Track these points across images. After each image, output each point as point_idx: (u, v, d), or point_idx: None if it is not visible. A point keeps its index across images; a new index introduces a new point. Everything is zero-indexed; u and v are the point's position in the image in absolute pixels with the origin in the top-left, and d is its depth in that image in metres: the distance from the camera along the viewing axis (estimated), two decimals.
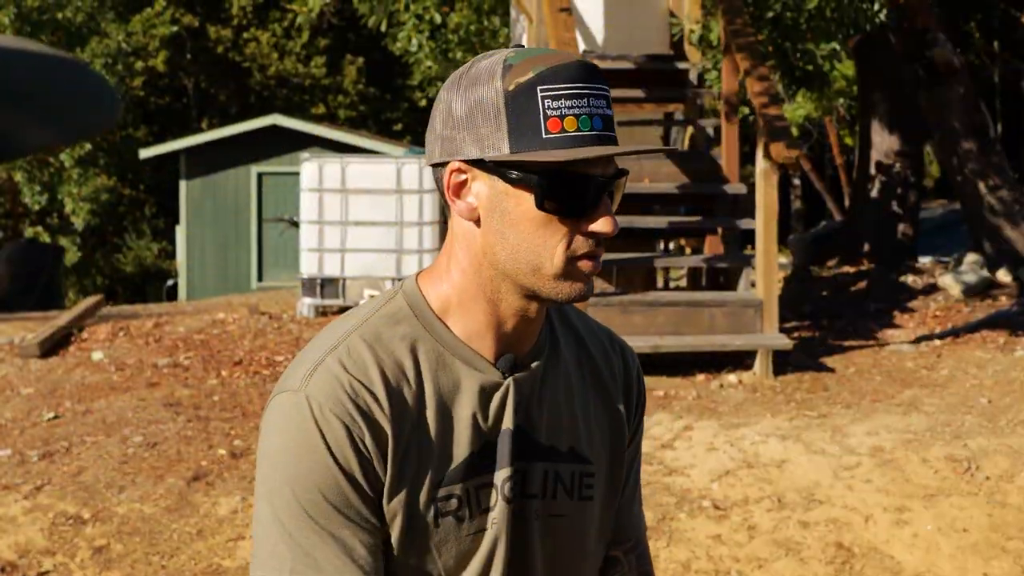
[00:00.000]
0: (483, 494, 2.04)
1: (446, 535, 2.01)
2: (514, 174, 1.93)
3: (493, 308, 2.02)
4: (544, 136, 1.90)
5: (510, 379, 2.05)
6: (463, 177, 1.98)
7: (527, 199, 1.93)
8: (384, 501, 1.98)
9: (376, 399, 1.96)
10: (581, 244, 1.95)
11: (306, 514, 1.95)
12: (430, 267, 2.10)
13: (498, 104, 1.92)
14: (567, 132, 1.90)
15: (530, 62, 1.93)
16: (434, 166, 2.02)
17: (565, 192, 1.92)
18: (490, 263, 1.99)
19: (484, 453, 2.03)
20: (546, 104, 1.90)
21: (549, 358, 2.12)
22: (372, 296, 2.24)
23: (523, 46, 2.04)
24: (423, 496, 1.99)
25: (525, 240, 1.95)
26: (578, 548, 2.16)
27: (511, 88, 1.91)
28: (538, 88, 1.90)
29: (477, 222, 1.99)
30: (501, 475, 2.04)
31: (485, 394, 2.03)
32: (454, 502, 2.01)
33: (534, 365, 2.08)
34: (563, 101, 1.90)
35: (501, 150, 1.92)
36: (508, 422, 2.04)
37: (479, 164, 1.95)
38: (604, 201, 1.95)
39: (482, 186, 1.97)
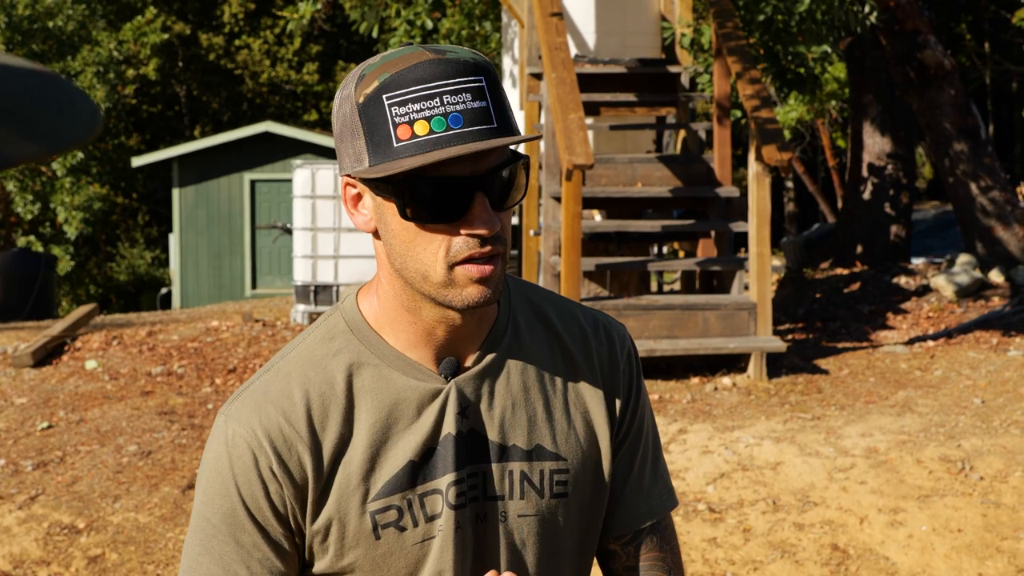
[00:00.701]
0: (428, 502, 2.01)
1: (390, 547, 2.01)
2: (378, 187, 1.91)
3: (416, 318, 2.00)
4: (395, 145, 1.85)
5: (451, 383, 2.03)
6: (355, 191, 1.97)
7: (395, 209, 1.90)
8: (308, 524, 1.99)
9: (292, 424, 1.97)
10: (461, 247, 1.90)
11: (204, 532, 2.00)
12: (369, 281, 2.09)
13: (354, 117, 1.89)
14: (419, 137, 1.84)
15: (380, 70, 1.88)
16: None
17: (425, 198, 1.87)
18: (396, 273, 1.97)
19: (426, 460, 2.01)
20: (393, 112, 1.85)
21: (508, 352, 2.09)
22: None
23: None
24: (354, 510, 1.98)
25: (408, 250, 1.92)
26: (554, 547, 2.12)
27: (361, 100, 1.88)
28: (384, 96, 1.85)
29: (376, 234, 1.98)
30: (445, 480, 2.01)
31: (423, 401, 2.01)
32: (393, 512, 2.00)
33: (480, 365, 2.05)
34: (411, 106, 1.84)
35: (363, 164, 1.89)
36: (451, 426, 2.02)
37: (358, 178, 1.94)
38: (477, 200, 1.88)
39: (369, 199, 1.95)
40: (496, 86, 1.90)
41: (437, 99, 1.84)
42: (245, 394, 2.01)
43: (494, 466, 2.06)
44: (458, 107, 1.85)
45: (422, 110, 1.84)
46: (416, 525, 2.01)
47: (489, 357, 2.06)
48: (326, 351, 2.03)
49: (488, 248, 1.90)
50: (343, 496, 1.98)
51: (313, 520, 1.98)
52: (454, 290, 1.92)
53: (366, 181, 1.92)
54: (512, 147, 1.98)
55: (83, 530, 7.80)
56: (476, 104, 1.86)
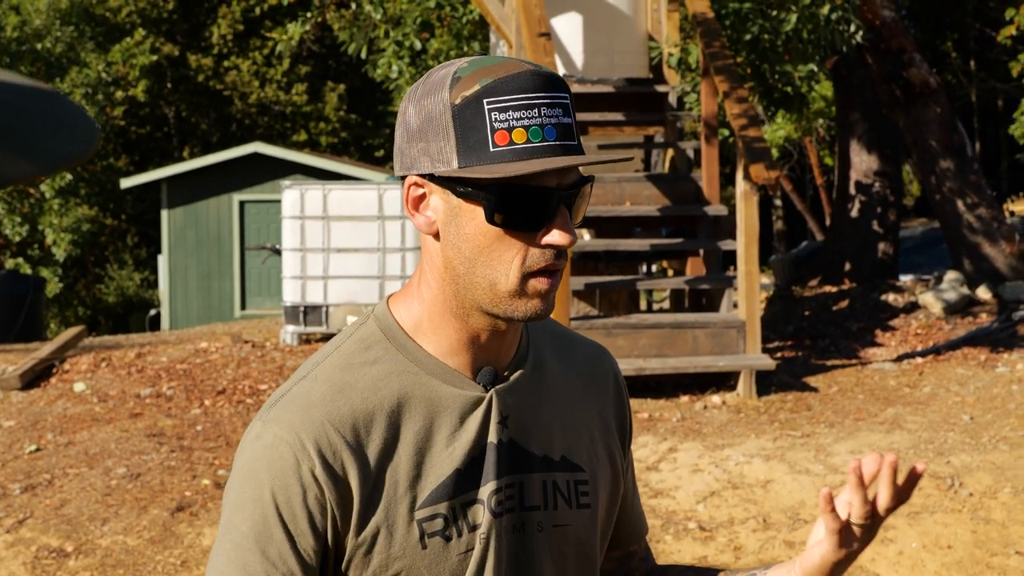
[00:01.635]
0: (471, 511, 2.01)
1: (436, 557, 1.99)
2: (464, 189, 1.90)
3: (463, 323, 2.00)
4: (492, 149, 1.86)
5: (492, 392, 2.03)
6: (421, 191, 1.96)
7: (479, 213, 1.90)
8: (351, 534, 1.96)
9: (338, 430, 1.95)
10: (537, 257, 1.91)
11: (231, 541, 1.95)
12: (402, 288, 2.09)
13: (446, 118, 1.90)
14: (516, 144, 1.86)
15: (479, 73, 1.89)
16: (400, 178, 2.01)
17: (515, 206, 1.89)
18: (452, 278, 1.97)
19: (470, 469, 2.01)
20: (493, 116, 1.86)
21: (533, 368, 2.10)
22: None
23: (485, 54, 2.01)
24: (402, 518, 1.96)
25: (480, 254, 1.92)
26: (585, 556, 2.14)
27: (458, 101, 1.88)
28: (484, 100, 1.87)
29: (437, 236, 1.97)
30: (487, 489, 2.01)
31: (465, 410, 2.01)
32: (440, 521, 1.99)
33: (516, 375, 2.06)
34: (511, 113, 1.86)
35: (451, 165, 1.89)
36: (492, 435, 2.02)
37: (433, 178, 1.93)
38: (560, 213, 1.91)
39: (438, 200, 1.95)
40: (574, 105, 1.94)
41: (535, 110, 1.87)
42: (284, 400, 1.99)
43: (531, 476, 2.06)
44: (552, 120, 1.88)
45: (521, 119, 1.86)
46: (460, 535, 2.00)
47: (520, 371, 2.08)
48: (364, 359, 2.02)
49: (559, 261, 1.94)
50: (391, 504, 1.96)
51: (360, 529, 1.95)
52: (520, 301, 1.94)
53: (446, 182, 1.92)
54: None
55: (71, 553, 7.78)
56: (565, 120, 1.90)
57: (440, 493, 1.99)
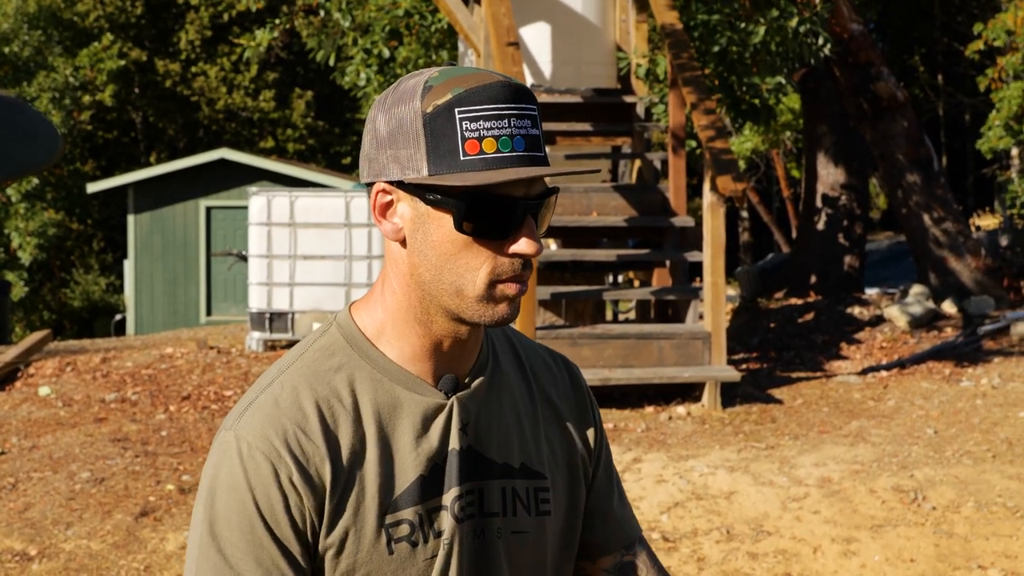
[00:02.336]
0: (435, 517, 2.02)
1: (402, 562, 2.00)
2: (433, 196, 1.92)
3: (426, 330, 2.01)
4: (462, 158, 1.89)
5: (453, 399, 2.04)
6: (388, 198, 1.98)
7: (447, 221, 1.92)
8: (322, 536, 1.97)
9: (307, 435, 1.96)
10: (504, 266, 1.94)
11: (220, 553, 1.95)
12: (365, 296, 2.10)
13: (416, 126, 1.91)
14: (486, 154, 1.88)
15: (451, 83, 1.91)
16: (366, 185, 2.02)
17: (484, 214, 1.91)
18: (417, 284, 1.98)
19: (434, 475, 2.02)
20: (464, 126, 1.89)
21: (493, 376, 2.12)
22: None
23: (455, 63, 2.01)
24: (370, 524, 1.98)
25: (447, 262, 1.94)
26: (541, 564, 2.15)
27: (429, 110, 1.90)
28: (456, 110, 1.89)
29: (403, 243, 1.98)
30: (450, 495, 2.03)
31: (428, 416, 2.03)
32: (405, 527, 2.00)
33: (476, 383, 2.08)
34: (481, 123, 1.89)
35: (420, 172, 1.91)
36: (455, 442, 2.03)
37: (402, 185, 1.95)
38: (527, 222, 1.93)
39: (406, 207, 1.96)
40: (540, 117, 1.97)
41: (505, 120, 1.90)
42: (251, 409, 1.99)
43: (491, 483, 2.08)
44: (521, 131, 1.91)
45: (491, 128, 1.89)
46: (426, 541, 2.01)
47: (481, 378, 2.09)
48: (328, 366, 2.03)
49: (527, 271, 1.96)
50: (359, 509, 1.97)
51: (328, 532, 1.97)
52: (487, 306, 1.95)
53: (415, 189, 1.93)
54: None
55: (35, 557, 7.75)
56: (533, 131, 1.93)
57: (406, 499, 2.00)
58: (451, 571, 2.03)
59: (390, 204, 1.98)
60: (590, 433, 2.26)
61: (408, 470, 2.01)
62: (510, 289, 1.95)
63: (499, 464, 2.09)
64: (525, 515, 2.11)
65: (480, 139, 1.89)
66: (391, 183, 1.96)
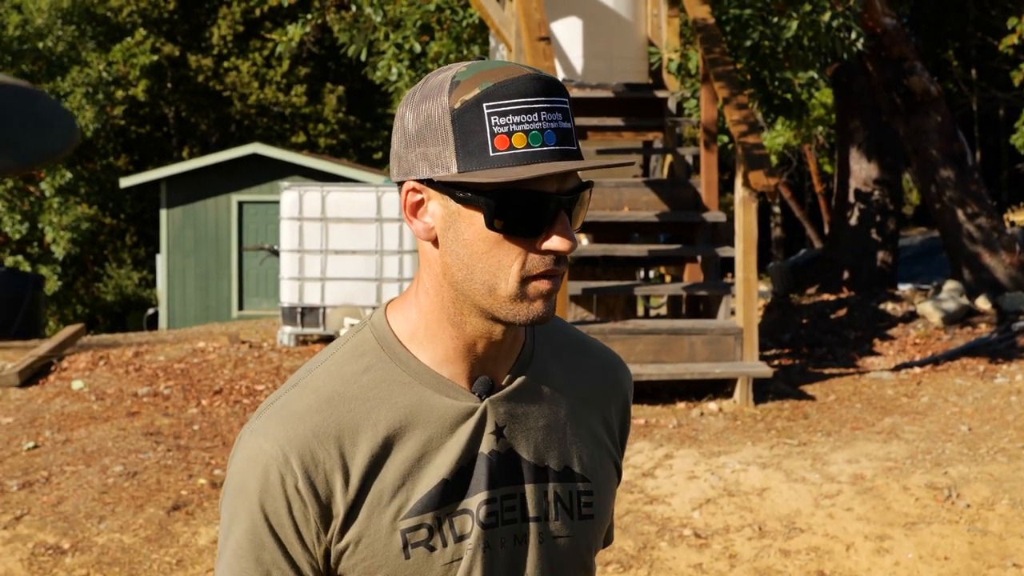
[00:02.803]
0: (458, 522, 2.00)
1: (418, 567, 1.98)
2: (463, 194, 1.89)
3: (459, 332, 1.98)
4: (492, 154, 1.85)
5: (486, 402, 2.01)
6: (419, 197, 1.95)
7: (478, 219, 1.89)
8: (333, 541, 1.96)
9: (321, 440, 1.95)
10: (537, 263, 1.90)
11: (230, 551, 1.98)
12: (400, 295, 2.08)
13: (445, 122, 1.88)
14: (516, 149, 1.85)
15: (478, 77, 1.88)
16: (397, 184, 1.99)
17: (516, 211, 1.87)
18: (450, 284, 1.95)
19: (458, 479, 1.99)
20: (493, 121, 1.85)
21: (535, 376, 2.09)
22: (352, 325, 2.23)
23: (483, 58, 1.98)
24: (384, 528, 1.96)
25: (479, 260, 1.90)
26: (580, 566, 2.13)
27: (457, 106, 1.87)
28: (484, 105, 1.85)
29: (435, 242, 1.95)
30: (476, 500, 2.00)
31: (457, 420, 2.00)
32: (424, 532, 1.98)
33: (513, 385, 2.05)
34: (511, 117, 1.85)
35: (450, 169, 1.88)
36: (485, 446, 2.01)
37: (432, 184, 1.92)
38: (560, 218, 1.90)
39: (436, 206, 1.93)
40: (572, 110, 1.93)
41: (536, 114, 1.86)
42: (271, 410, 1.99)
43: (531, 487, 2.05)
44: (552, 125, 1.87)
45: (521, 123, 1.85)
46: (445, 545, 1.99)
47: (520, 378, 2.06)
48: (355, 368, 2.01)
49: (560, 267, 1.92)
50: (373, 513, 1.96)
51: (341, 537, 1.96)
52: (521, 304, 1.92)
53: (445, 187, 1.90)
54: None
55: (68, 551, 7.78)
56: (564, 124, 1.88)
57: (425, 503, 1.98)
58: None
59: (421, 203, 1.95)
60: (624, 439, 2.26)
61: (432, 475, 1.98)
62: (544, 286, 1.91)
63: (539, 467, 2.06)
64: (568, 519, 2.08)
65: (510, 134, 1.85)
66: (421, 181, 1.93)
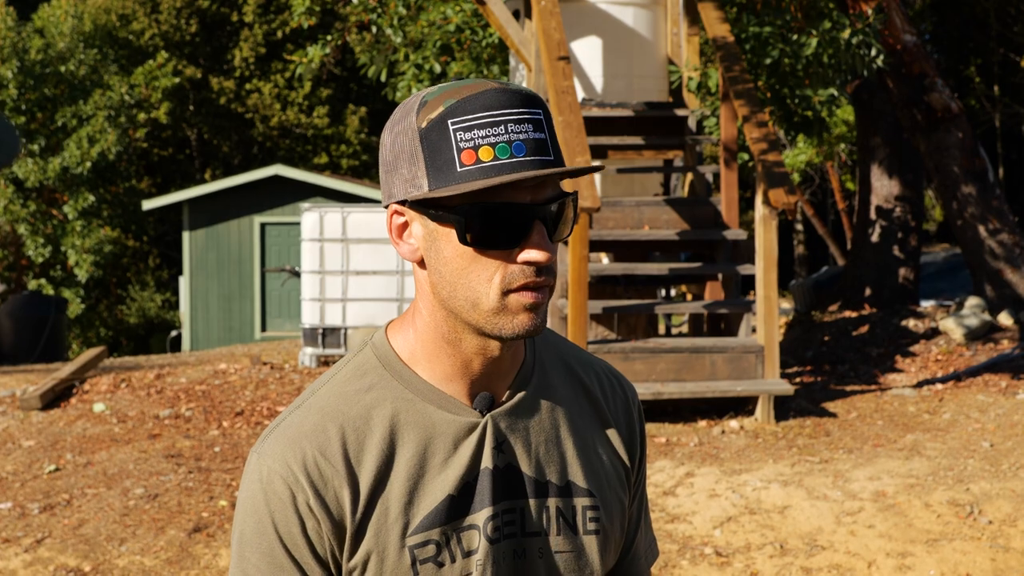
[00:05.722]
0: (465, 537, 2.00)
1: None
2: (436, 212, 1.90)
3: (455, 349, 1.99)
4: (459, 169, 1.86)
5: (487, 417, 2.02)
6: (402, 219, 1.96)
7: (453, 235, 1.90)
8: (344, 558, 1.97)
9: (327, 458, 1.96)
10: (516, 275, 1.90)
11: (244, 574, 1.99)
12: (400, 316, 2.09)
13: (414, 143, 1.90)
14: (483, 163, 1.85)
15: (443, 96, 1.90)
16: (385, 208, 2.00)
17: (486, 224, 1.87)
18: (440, 303, 1.96)
19: (464, 495, 2.00)
20: (458, 136, 1.86)
21: (537, 391, 2.09)
22: None
23: (506, 77, 1.99)
24: (393, 545, 1.97)
25: (460, 277, 1.91)
26: None
27: (424, 125, 1.89)
28: (449, 121, 1.87)
29: (422, 263, 1.97)
30: (482, 515, 2.01)
31: (460, 436, 2.01)
32: (432, 548, 1.98)
33: (514, 400, 2.05)
34: (476, 131, 1.86)
35: (422, 188, 1.89)
36: (487, 461, 2.01)
37: (410, 205, 1.93)
38: (536, 228, 1.90)
39: (418, 227, 1.95)
40: (550, 120, 1.93)
41: (502, 127, 1.86)
42: (277, 431, 2.00)
43: (531, 502, 2.05)
44: (521, 136, 1.87)
45: (487, 136, 1.86)
46: (454, 561, 1.99)
47: (521, 394, 2.06)
48: (358, 386, 2.02)
49: (542, 278, 1.91)
50: (381, 530, 1.96)
51: (351, 555, 1.96)
52: (505, 318, 1.92)
53: (421, 206, 1.92)
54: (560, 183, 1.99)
55: (89, 573, 7.79)
56: (537, 135, 1.89)
57: (432, 519, 1.98)
58: None
59: (405, 225, 1.97)
60: (636, 458, 2.24)
61: (437, 490, 1.99)
62: (526, 299, 1.91)
63: (540, 482, 2.06)
64: (571, 534, 2.08)
65: (476, 148, 1.86)
66: (401, 203, 1.95)
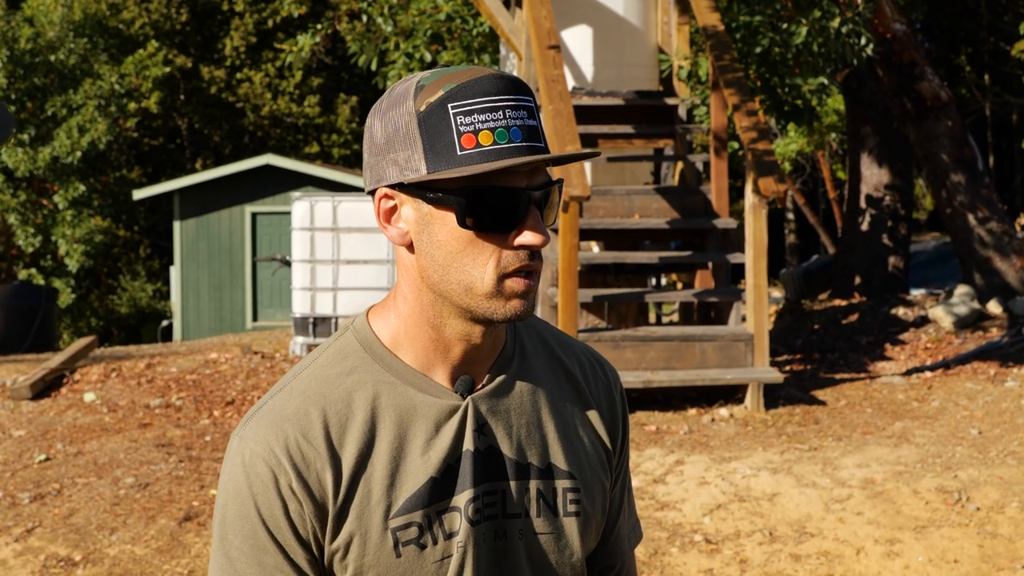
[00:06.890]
0: (447, 519, 2.01)
1: (410, 565, 1.99)
2: (434, 194, 1.92)
3: (438, 334, 2.01)
4: (459, 153, 1.88)
5: (468, 399, 2.03)
6: (392, 203, 1.98)
7: (450, 218, 1.92)
8: (327, 540, 1.98)
9: (309, 441, 1.97)
10: (511, 259, 1.93)
11: (227, 557, 1.99)
12: (381, 302, 2.10)
13: (412, 126, 1.91)
14: (483, 147, 1.88)
15: (442, 80, 1.91)
16: (370, 194, 2.01)
17: (486, 207, 1.90)
18: (428, 287, 1.98)
19: (446, 477, 2.01)
20: (459, 120, 1.88)
21: (518, 374, 2.11)
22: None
23: (496, 66, 2.01)
24: (375, 527, 1.98)
25: (454, 260, 1.93)
26: (567, 565, 2.13)
27: (423, 108, 1.90)
28: (449, 105, 1.89)
29: (410, 247, 1.98)
30: (463, 497, 2.02)
31: (441, 418, 2.02)
32: (414, 530, 1.99)
33: (495, 383, 2.07)
34: (476, 116, 1.88)
35: (419, 172, 1.91)
36: (469, 443, 2.02)
37: (403, 188, 1.94)
38: (531, 213, 1.93)
39: (409, 210, 1.96)
40: (538, 108, 1.96)
41: (500, 112, 1.89)
42: (259, 414, 2.01)
43: (512, 484, 2.06)
44: (517, 122, 1.90)
45: (487, 121, 1.88)
46: (436, 543, 2.01)
47: (501, 377, 2.08)
48: (340, 370, 2.03)
49: (535, 262, 1.94)
50: (364, 512, 1.97)
51: (333, 537, 1.98)
52: (498, 302, 1.94)
53: (416, 189, 1.93)
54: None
55: (80, 562, 7.80)
56: (531, 122, 1.92)
57: (415, 502, 2.00)
58: (466, 574, 2.02)
59: (394, 209, 1.98)
60: (618, 441, 2.25)
61: (419, 473, 2.00)
62: (519, 284, 1.94)
63: (522, 464, 2.08)
64: (551, 516, 2.09)
65: (476, 132, 1.88)
66: (392, 187, 1.96)
